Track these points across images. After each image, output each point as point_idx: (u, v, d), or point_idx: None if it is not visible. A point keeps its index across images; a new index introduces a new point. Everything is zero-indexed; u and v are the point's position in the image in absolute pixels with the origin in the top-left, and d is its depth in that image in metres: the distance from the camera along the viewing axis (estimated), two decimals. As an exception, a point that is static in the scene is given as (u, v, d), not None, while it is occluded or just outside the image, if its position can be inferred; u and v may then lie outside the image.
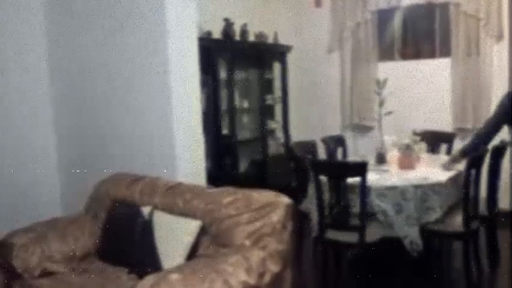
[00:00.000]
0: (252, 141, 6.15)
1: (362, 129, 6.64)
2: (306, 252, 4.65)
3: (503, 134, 4.20)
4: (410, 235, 3.77)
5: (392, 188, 3.82)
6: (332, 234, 3.92)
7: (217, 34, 5.60)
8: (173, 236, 3.14)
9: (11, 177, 4.30)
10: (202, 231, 3.14)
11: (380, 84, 4.71)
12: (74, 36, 4.38)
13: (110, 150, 4.25)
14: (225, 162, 5.60)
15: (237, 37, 5.85)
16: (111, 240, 3.45)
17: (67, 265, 3.40)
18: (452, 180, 4.03)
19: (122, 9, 4.01)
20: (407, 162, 4.37)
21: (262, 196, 3.16)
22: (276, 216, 3.06)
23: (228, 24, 5.68)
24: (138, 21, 3.92)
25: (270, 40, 6.39)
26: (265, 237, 3.01)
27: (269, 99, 6.41)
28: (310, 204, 4.16)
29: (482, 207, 4.13)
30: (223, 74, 5.58)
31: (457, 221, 3.89)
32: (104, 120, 4.28)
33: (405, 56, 6.49)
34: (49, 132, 4.59)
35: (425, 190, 3.81)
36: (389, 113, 4.64)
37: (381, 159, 4.55)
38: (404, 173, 4.22)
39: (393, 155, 4.54)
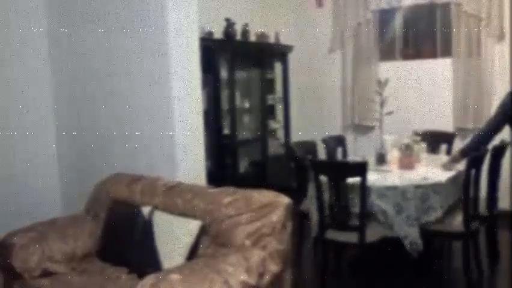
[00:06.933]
0: (252, 141, 6.15)
1: (363, 129, 6.64)
2: (306, 252, 4.66)
3: (503, 134, 4.20)
4: (410, 235, 3.77)
5: (392, 188, 3.82)
6: (332, 234, 3.93)
7: (218, 34, 5.59)
8: (173, 236, 3.15)
9: (11, 177, 4.31)
10: (202, 231, 3.14)
11: (381, 84, 4.71)
12: (75, 36, 4.38)
13: (110, 150, 4.25)
14: (225, 162, 5.60)
15: (238, 37, 5.85)
16: (111, 240, 3.45)
17: (67, 265, 3.40)
18: (452, 180, 4.03)
19: (124, 9, 4.01)
20: (407, 162, 4.36)
21: (262, 196, 3.16)
22: (276, 216, 3.06)
23: (229, 24, 5.67)
24: (139, 21, 3.92)
25: (272, 40, 6.39)
26: (265, 237, 3.02)
27: (270, 99, 6.41)
28: (310, 204, 4.16)
29: (482, 207, 4.13)
30: (224, 74, 5.57)
31: (457, 221, 3.90)
32: (104, 120, 4.28)
33: (406, 56, 6.49)
34: (49, 132, 4.59)
35: (425, 190, 3.81)
36: (390, 113, 4.64)
37: (381, 159, 4.55)
38: (404, 173, 4.22)
39: (393, 155, 4.54)
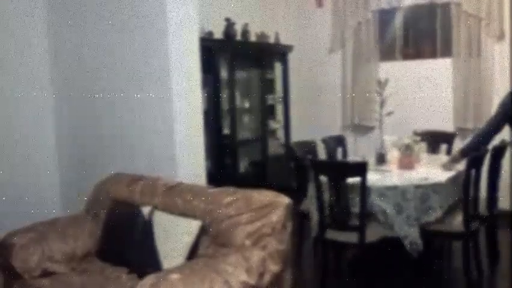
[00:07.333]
0: (252, 141, 6.15)
1: (363, 129, 6.64)
2: (306, 252, 4.66)
3: (503, 134, 4.20)
4: (410, 235, 3.77)
5: (392, 188, 3.82)
6: (332, 234, 3.93)
7: (218, 34, 5.59)
8: (173, 236, 3.15)
9: (11, 177, 4.31)
10: (202, 231, 3.14)
11: (381, 84, 4.71)
12: (76, 36, 4.38)
13: (110, 150, 4.25)
14: (225, 162, 5.60)
15: (238, 37, 5.85)
16: (111, 240, 3.45)
17: (67, 265, 3.40)
18: (452, 180, 4.03)
19: (124, 9, 4.01)
20: (407, 162, 4.36)
21: (262, 196, 3.16)
22: (276, 216, 3.06)
23: (229, 24, 5.67)
24: (139, 22, 3.92)
25: (271, 40, 6.39)
26: (265, 237, 3.02)
27: (270, 99, 6.40)
28: (310, 204, 4.16)
29: (482, 207, 4.13)
30: (224, 74, 5.57)
31: (457, 221, 3.90)
32: (104, 120, 4.28)
33: (406, 56, 6.49)
34: (49, 132, 4.59)
35: (425, 190, 3.81)
36: (390, 113, 4.64)
37: (381, 159, 4.55)
38: (404, 173, 4.22)
39: (393, 155, 4.53)
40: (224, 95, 5.55)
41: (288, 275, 3.14)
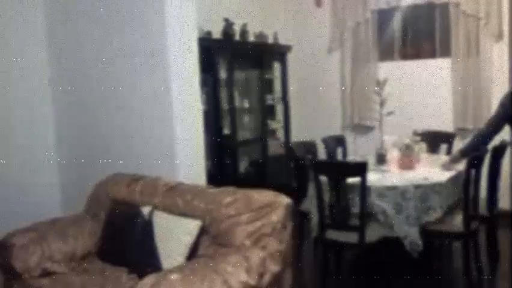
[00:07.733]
0: (252, 141, 6.14)
1: (363, 129, 6.64)
2: (306, 252, 4.65)
3: (503, 134, 4.20)
4: (410, 235, 3.77)
5: (392, 188, 3.83)
6: (332, 234, 3.93)
7: (217, 34, 5.59)
8: (174, 236, 3.15)
9: (11, 177, 4.30)
10: (202, 231, 3.15)
11: (381, 84, 4.71)
12: (75, 37, 4.38)
13: (110, 150, 4.25)
14: (225, 162, 5.60)
15: (237, 37, 5.84)
16: (111, 240, 3.45)
17: (67, 265, 3.41)
18: (452, 180, 4.03)
19: (123, 9, 4.01)
20: (407, 162, 4.36)
21: (262, 196, 3.16)
22: (276, 216, 3.06)
23: (228, 25, 5.67)
24: (138, 22, 3.92)
25: (270, 40, 6.38)
26: (265, 237, 3.02)
27: (269, 99, 6.40)
28: (310, 204, 4.16)
29: (482, 207, 4.13)
30: (223, 74, 5.56)
31: (457, 221, 3.90)
32: (104, 120, 4.28)
33: (405, 56, 6.49)
34: (49, 132, 4.59)
35: (425, 190, 3.81)
36: (390, 113, 4.64)
37: (381, 159, 4.55)
38: (404, 173, 4.22)
39: (393, 155, 4.53)
40: (223, 95, 5.55)
41: (288, 275, 3.14)
